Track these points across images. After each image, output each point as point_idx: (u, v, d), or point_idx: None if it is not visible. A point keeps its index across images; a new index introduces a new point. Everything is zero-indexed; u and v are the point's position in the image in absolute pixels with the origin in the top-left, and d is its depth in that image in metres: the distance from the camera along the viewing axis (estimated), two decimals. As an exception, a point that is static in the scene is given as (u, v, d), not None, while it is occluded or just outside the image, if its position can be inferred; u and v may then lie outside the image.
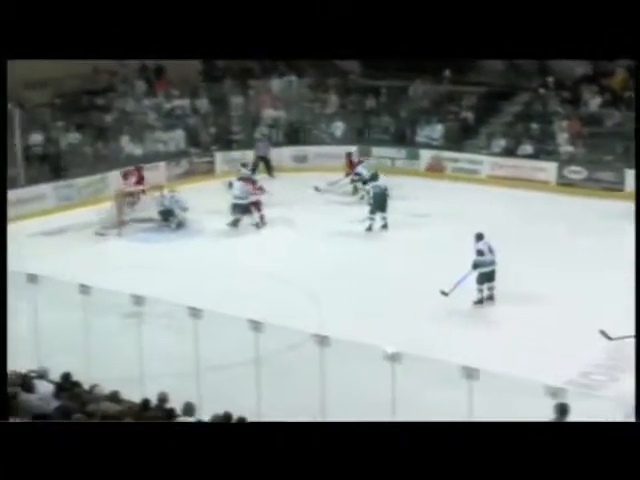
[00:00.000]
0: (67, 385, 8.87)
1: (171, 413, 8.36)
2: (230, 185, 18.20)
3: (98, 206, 18.69)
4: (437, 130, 22.84)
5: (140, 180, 19.54)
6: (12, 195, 18.59)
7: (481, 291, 13.29)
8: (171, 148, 22.52)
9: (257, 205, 17.98)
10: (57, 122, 21.12)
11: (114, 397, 8.72)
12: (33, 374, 9.11)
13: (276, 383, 10.00)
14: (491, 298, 13.39)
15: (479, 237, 13.46)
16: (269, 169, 22.24)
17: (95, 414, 7.81)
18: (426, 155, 22.55)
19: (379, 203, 17.40)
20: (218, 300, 12.20)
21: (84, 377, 9.38)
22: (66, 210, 19.17)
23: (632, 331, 8.80)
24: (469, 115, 23.00)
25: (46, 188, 19.43)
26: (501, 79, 23.30)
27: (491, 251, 13.29)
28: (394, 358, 8.46)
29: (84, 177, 20.16)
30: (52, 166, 20.20)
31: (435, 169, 22.38)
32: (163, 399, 8.70)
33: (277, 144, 23.20)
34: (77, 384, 8.93)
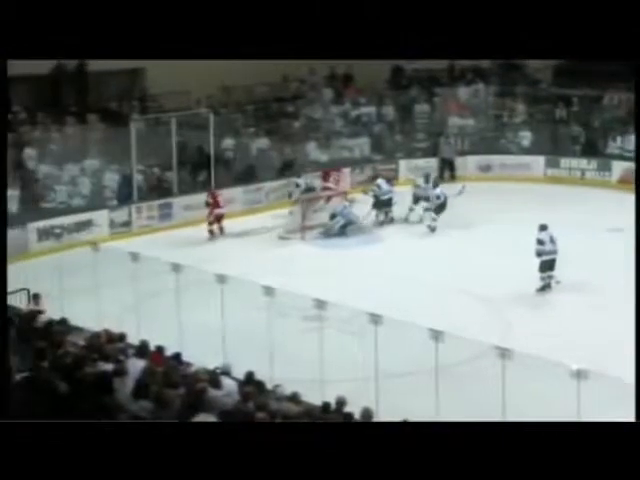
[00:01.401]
0: (251, 383, 9.12)
1: (349, 417, 8.44)
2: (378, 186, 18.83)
3: (284, 210, 19.22)
4: (631, 141, 21.89)
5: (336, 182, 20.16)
6: (202, 198, 19.63)
7: (543, 279, 14.15)
8: (356, 154, 22.82)
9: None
10: (248, 128, 21.88)
11: (295, 398, 8.89)
12: (218, 370, 9.42)
13: (455, 394, 9.90)
14: (549, 286, 14.19)
15: (542, 227, 14.32)
16: (453, 173, 22.16)
17: (277, 414, 7.99)
18: (619, 167, 21.68)
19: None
20: (399, 307, 12.22)
21: (266, 377, 9.64)
22: (253, 213, 19.81)
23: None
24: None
25: (235, 192, 20.12)
26: None
27: (552, 241, 14.14)
28: (580, 375, 8.19)
29: (272, 182, 20.77)
30: (242, 170, 20.95)
31: (628, 181, 21.46)
32: (342, 403, 8.80)
33: (462, 153, 23.02)
34: (261, 383, 9.17)
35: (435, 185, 18.82)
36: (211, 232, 18.22)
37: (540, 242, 14.18)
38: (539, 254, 14.10)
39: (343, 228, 18.28)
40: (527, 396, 9.56)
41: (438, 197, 18.18)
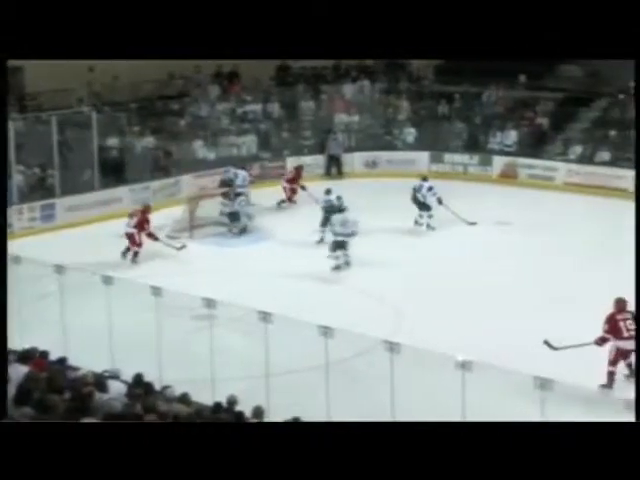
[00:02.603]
0: (139, 385, 8.99)
1: (240, 416, 8.41)
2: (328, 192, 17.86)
3: (171, 209, 18.99)
4: (511, 136, 22.59)
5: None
6: (89, 198, 19.25)
7: (336, 258, 15.51)
8: (243, 152, 22.76)
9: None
10: (133, 126, 21.53)
11: (185, 399, 8.81)
12: (106, 374, 9.26)
13: (345, 389, 9.99)
14: (348, 264, 15.50)
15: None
16: (340, 169, 22.39)
17: (167, 415, 7.90)
18: (500, 161, 22.32)
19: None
20: (289, 305, 12.25)
21: (156, 378, 9.52)
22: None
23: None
24: (545, 121, 22.69)
25: (121, 191, 19.79)
26: (578, 85, 22.94)
27: (339, 199, 16.53)
28: (465, 366, 8.37)
29: (158, 180, 20.51)
30: (127, 169, 20.59)
31: (508, 176, 22.13)
32: (233, 402, 8.76)
33: (348, 149, 23.27)
34: (150, 385, 9.05)
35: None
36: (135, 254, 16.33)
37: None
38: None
39: (244, 229, 18.18)
40: (416, 389, 9.73)
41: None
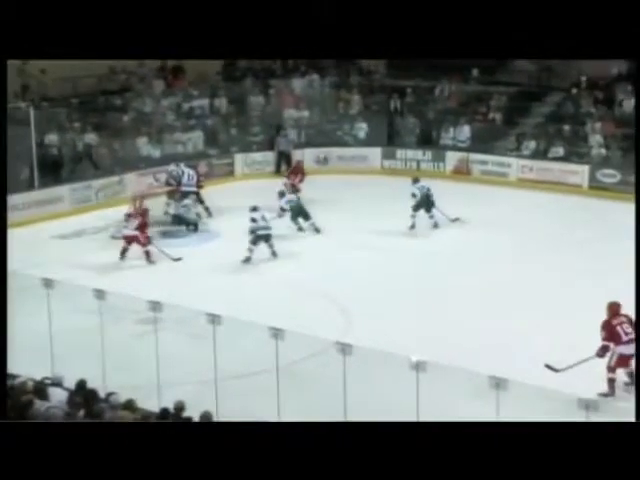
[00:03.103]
0: (82, 393, 8.89)
1: (188, 422, 8.36)
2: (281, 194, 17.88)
3: (115, 208, 18.82)
4: (464, 131, 22.78)
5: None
6: (27, 197, 18.97)
7: (251, 251, 16.01)
8: (189, 149, 22.63)
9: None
10: (73, 122, 21.27)
11: (130, 405, 8.73)
12: (48, 381, 9.15)
13: (296, 392, 10.00)
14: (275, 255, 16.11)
15: (254, 209, 16.26)
16: (290, 166, 22.18)
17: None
18: (452, 157, 22.52)
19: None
20: (238, 307, 12.22)
21: (100, 384, 9.43)
22: (82, 213, 19.32)
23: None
24: (498, 116, 22.93)
25: (62, 190, 19.55)
26: (532, 79, 23.21)
27: (264, 219, 16.26)
28: (419, 367, 8.44)
29: (101, 179, 20.31)
30: (68, 167, 20.34)
31: (462, 172, 22.32)
32: (180, 408, 8.71)
33: (299, 145, 23.26)
34: (93, 391, 8.95)
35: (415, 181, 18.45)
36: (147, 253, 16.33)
37: (253, 220, 16.11)
38: (252, 231, 16.11)
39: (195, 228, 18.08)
40: (368, 390, 9.77)
41: (414, 195, 17.96)
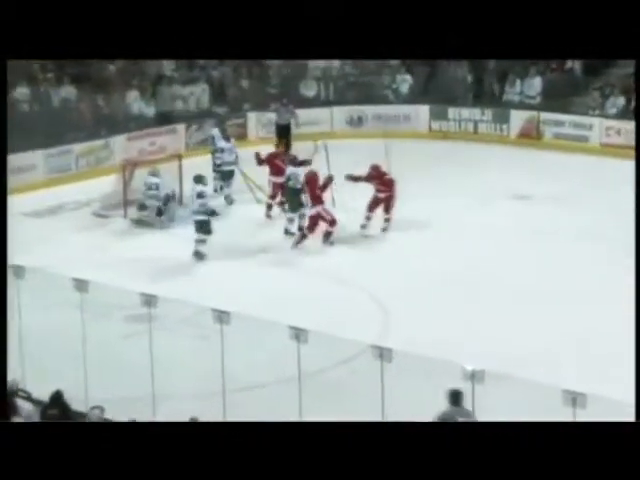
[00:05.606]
0: (58, 406, 9.00)
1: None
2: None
3: (100, 179, 18.96)
4: (534, 84, 22.70)
5: None
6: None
7: (199, 242, 15.73)
8: (192, 107, 22.71)
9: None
10: (47, 73, 21.40)
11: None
12: (22, 394, 9.26)
13: (323, 406, 10.08)
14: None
15: (198, 179, 16.12)
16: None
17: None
18: (519, 117, 22.46)
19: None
20: (252, 302, 12.31)
21: (79, 396, 9.58)
22: (60, 184, 19.50)
23: None
24: (577, 65, 22.81)
25: (34, 156, 19.73)
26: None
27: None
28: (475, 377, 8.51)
29: (82, 142, 20.45)
30: (41, 128, 20.50)
31: (530, 135, 22.28)
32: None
33: (326, 103, 23.26)
34: (67, 407, 9.07)
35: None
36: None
37: (200, 195, 15.90)
38: (203, 212, 15.91)
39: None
40: (409, 406, 9.82)
41: None
